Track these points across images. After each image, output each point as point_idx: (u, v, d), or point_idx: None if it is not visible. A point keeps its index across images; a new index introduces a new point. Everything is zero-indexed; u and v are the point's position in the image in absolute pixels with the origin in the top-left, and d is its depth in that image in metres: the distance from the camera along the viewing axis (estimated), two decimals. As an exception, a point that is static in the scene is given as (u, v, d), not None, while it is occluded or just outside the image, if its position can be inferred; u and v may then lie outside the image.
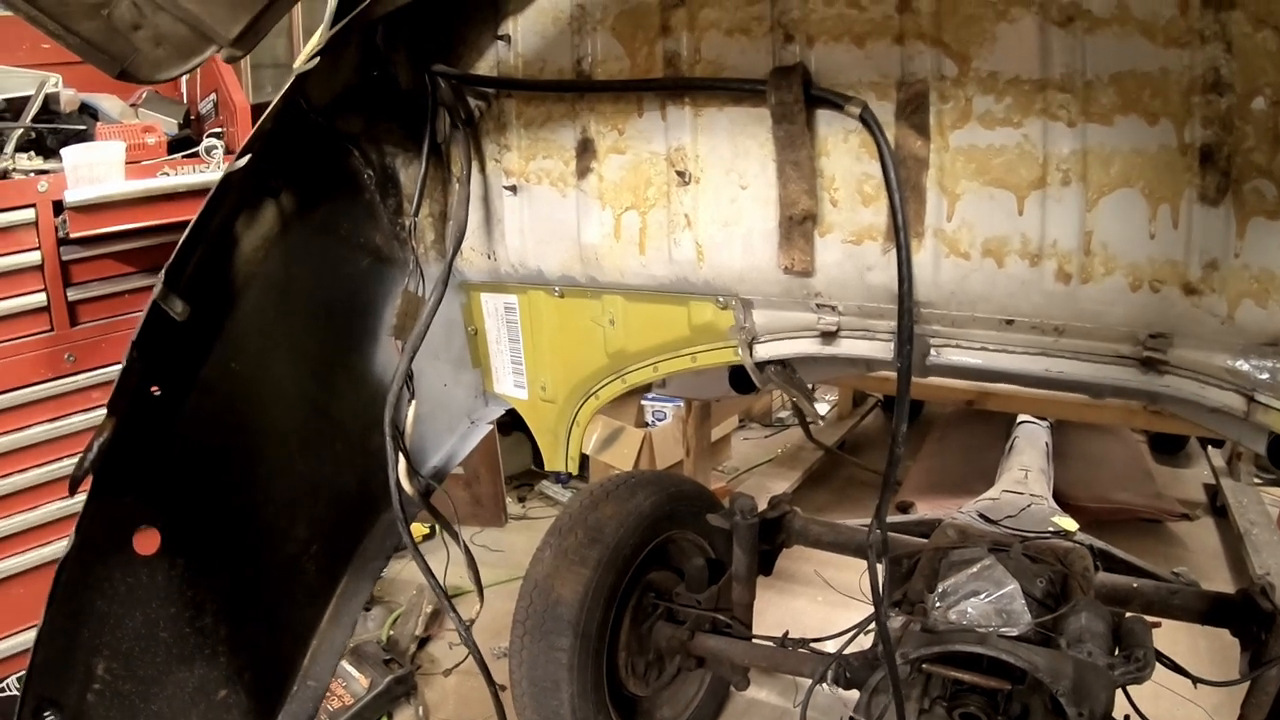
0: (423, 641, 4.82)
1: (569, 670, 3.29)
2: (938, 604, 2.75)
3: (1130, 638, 2.80)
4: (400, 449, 2.32)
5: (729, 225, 2.21)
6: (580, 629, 3.29)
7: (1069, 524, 3.71)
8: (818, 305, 2.20)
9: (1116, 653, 2.72)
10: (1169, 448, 7.00)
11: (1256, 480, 6.04)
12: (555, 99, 2.36)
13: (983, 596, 2.71)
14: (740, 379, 2.77)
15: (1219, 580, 5.37)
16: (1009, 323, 2.01)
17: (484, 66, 2.41)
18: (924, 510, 4.63)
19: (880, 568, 2.23)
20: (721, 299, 2.30)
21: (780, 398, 7.55)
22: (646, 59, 2.21)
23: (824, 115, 2.03)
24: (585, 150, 2.35)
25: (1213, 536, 6.12)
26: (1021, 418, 5.43)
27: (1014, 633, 2.66)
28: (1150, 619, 3.01)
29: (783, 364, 2.42)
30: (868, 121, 1.91)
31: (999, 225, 1.92)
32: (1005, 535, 3.41)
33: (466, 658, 4.38)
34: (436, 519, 2.49)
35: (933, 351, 2.13)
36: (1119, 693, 2.75)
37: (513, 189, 2.48)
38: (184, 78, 4.80)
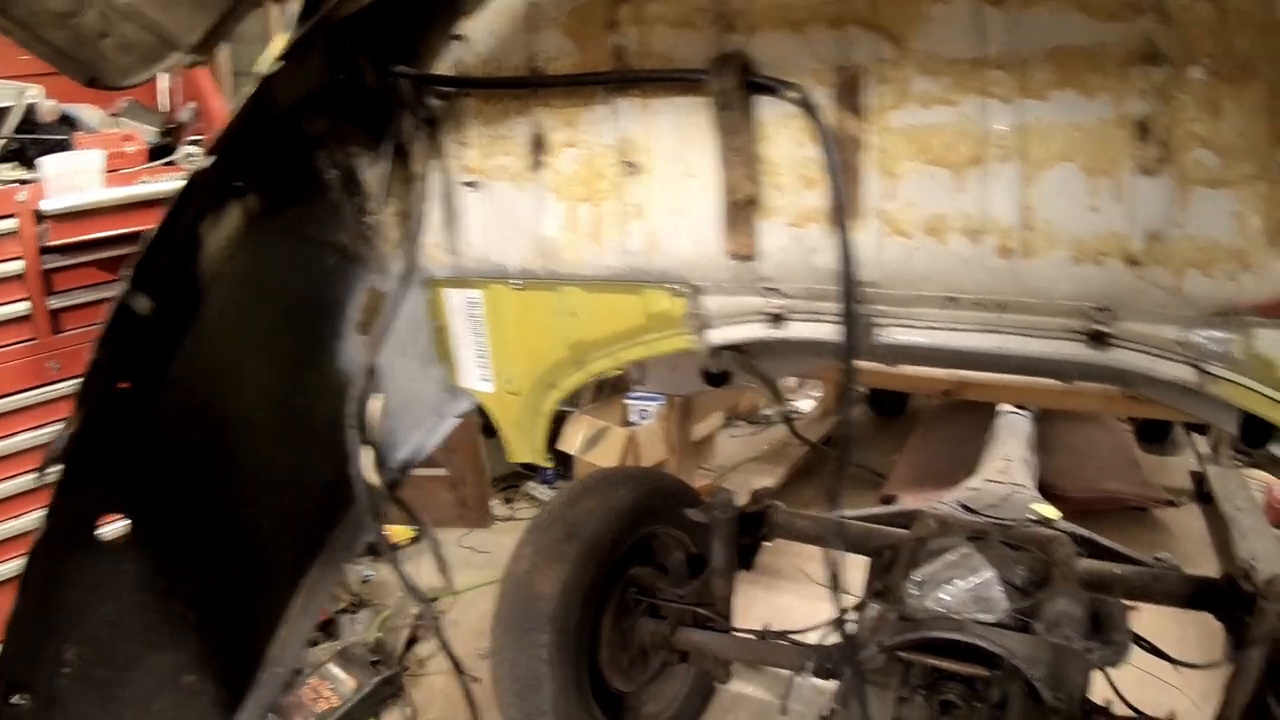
0: (411, 643, 4.83)
1: (550, 666, 3.30)
2: (914, 592, 2.77)
3: (1107, 622, 2.81)
4: (366, 443, 2.36)
5: (678, 214, 2.24)
6: (560, 624, 3.30)
7: (1050, 512, 3.73)
8: (765, 289, 2.24)
9: (1094, 637, 2.74)
10: (1155, 436, 7.00)
11: (1236, 464, 6.05)
12: (511, 96, 2.39)
13: (960, 584, 2.72)
14: (713, 373, 2.80)
15: (1206, 565, 5.38)
16: (953, 300, 2.03)
17: (443, 67, 2.43)
18: (908, 502, 4.64)
19: (840, 557, 2.25)
20: (674, 287, 2.33)
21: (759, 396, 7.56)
22: (596, 54, 2.23)
23: (765, 102, 2.05)
24: (539, 145, 2.38)
25: (1199, 522, 6.12)
26: (1003, 408, 5.45)
27: (991, 619, 2.68)
28: (1130, 603, 3.03)
29: (740, 350, 2.49)
30: (806, 106, 1.95)
31: (940, 203, 1.94)
32: (986, 524, 3.43)
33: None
34: (403, 510, 2.53)
35: (879, 332, 2.16)
36: (1102, 677, 2.80)
37: (473, 185, 2.50)
38: (165, 87, 4.80)
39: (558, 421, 6.22)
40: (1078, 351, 1.98)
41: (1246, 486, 5.90)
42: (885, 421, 7.87)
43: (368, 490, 2.44)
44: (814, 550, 4.02)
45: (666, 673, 3.89)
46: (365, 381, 2.41)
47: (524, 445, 2.77)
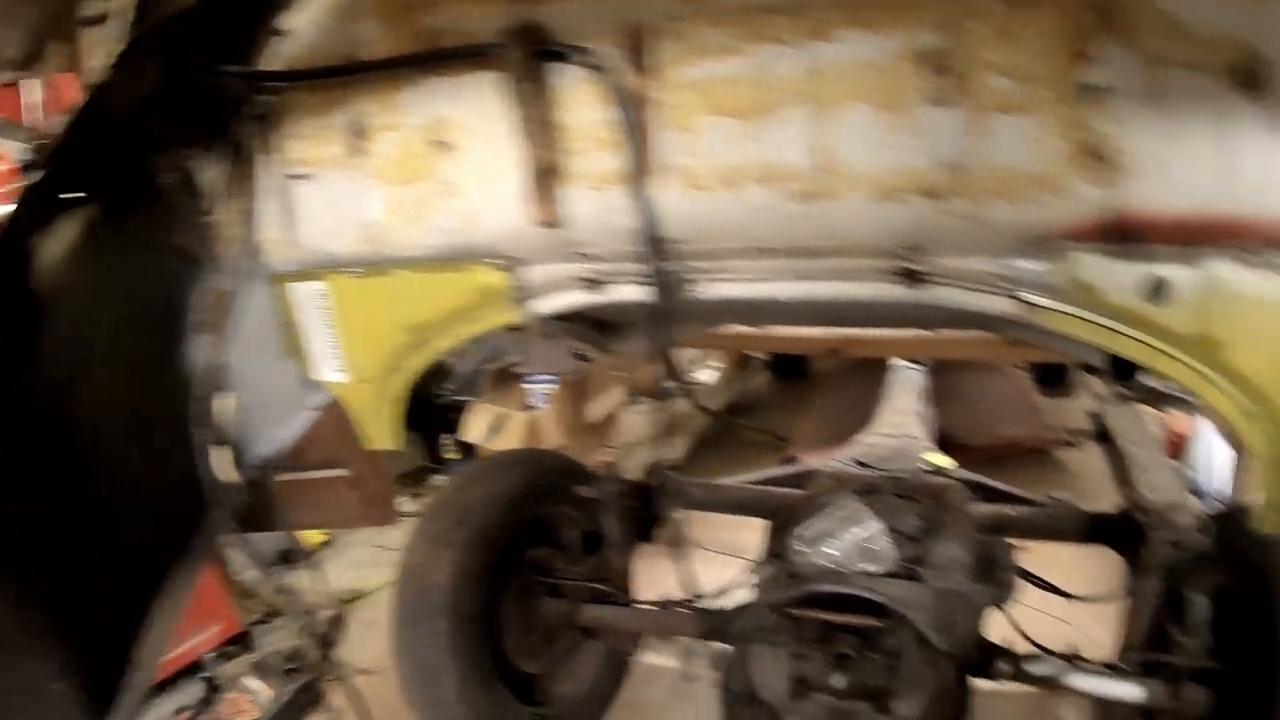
0: (328, 648, 4.74)
1: (450, 655, 3.25)
2: (802, 549, 2.75)
3: (995, 563, 2.82)
4: (220, 442, 2.32)
5: (490, 189, 2.26)
6: (456, 612, 3.25)
7: (943, 460, 3.75)
8: (578, 256, 2.26)
9: (983, 579, 2.75)
10: (1053, 380, 7.10)
11: (1132, 402, 6.15)
12: (332, 86, 2.37)
13: (846, 537, 2.71)
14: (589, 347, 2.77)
15: (1108, 503, 5.46)
16: (761, 250, 2.04)
17: (272, 63, 2.40)
18: (809, 463, 4.64)
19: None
20: (495, 261, 2.35)
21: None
22: (408, 37, 2.23)
23: (562, 70, 2.07)
24: (360, 132, 2.37)
25: (1100, 461, 6.22)
26: (898, 363, 5.47)
27: (879, 570, 2.67)
28: (1027, 544, 3.04)
29: (576, 320, 2.54)
30: (597, 69, 1.97)
31: (735, 154, 1.94)
32: (879, 477, 3.42)
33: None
34: (270, 509, 2.48)
35: (695, 288, 2.17)
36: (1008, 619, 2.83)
37: (304, 177, 2.49)
38: (33, 101, 4.69)
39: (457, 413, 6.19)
40: (895, 292, 1.98)
41: (1144, 423, 6.00)
42: (787, 385, 7.92)
43: (224, 489, 2.45)
44: (728, 519, 3.99)
45: (577, 651, 3.85)
46: (214, 381, 2.42)
47: (380, 432, 2.75)
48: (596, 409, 5.93)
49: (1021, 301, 1.90)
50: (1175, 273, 1.86)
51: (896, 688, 2.66)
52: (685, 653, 3.69)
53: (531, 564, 3.60)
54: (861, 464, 3.68)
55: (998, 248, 1.85)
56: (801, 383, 7.85)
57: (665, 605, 3.42)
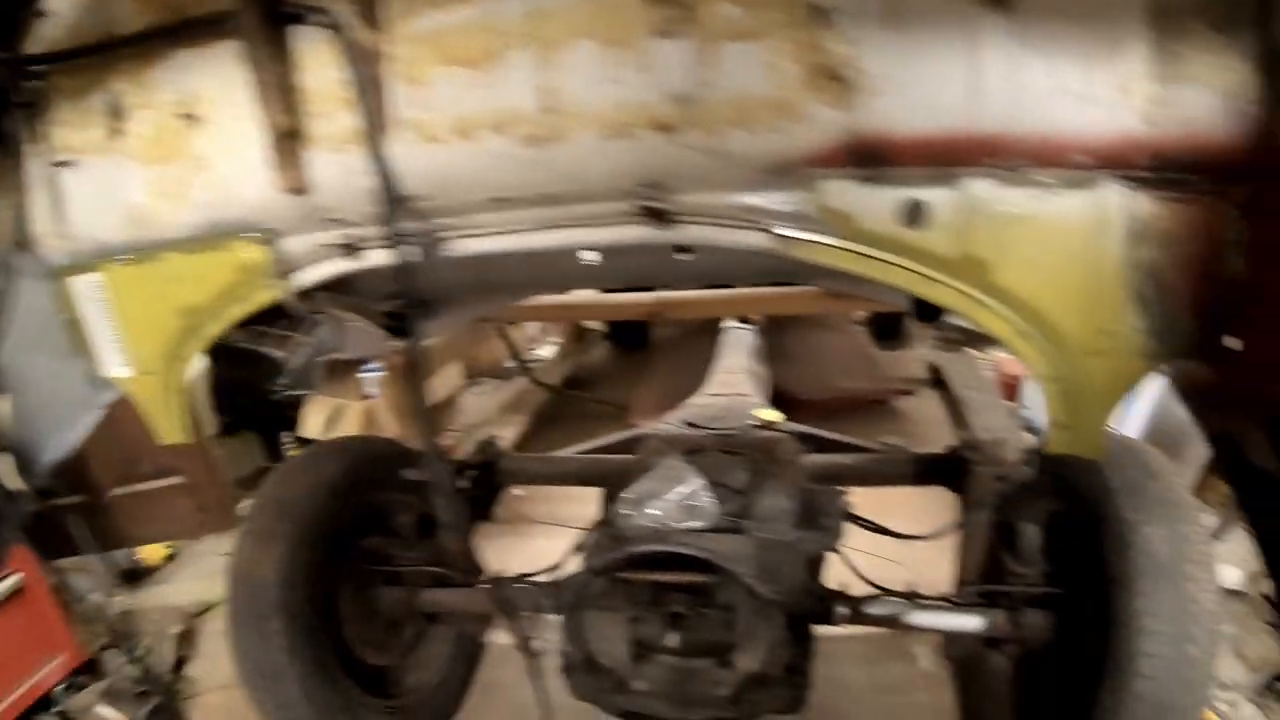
0: (179, 664, 4.61)
1: (289, 654, 3.13)
2: (627, 512, 2.73)
3: (820, 510, 2.83)
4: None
5: (240, 160, 2.19)
6: (290, 609, 3.14)
7: (772, 415, 3.77)
8: (330, 221, 2.21)
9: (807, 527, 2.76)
10: (889, 333, 7.25)
11: (964, 347, 6.31)
12: (89, 67, 2.29)
13: (670, 497, 2.69)
14: (393, 326, 2.71)
15: (946, 445, 5.61)
16: (503, 200, 2.03)
17: (35, 46, 2.31)
18: (641, 428, 4.65)
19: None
20: (253, 235, 2.29)
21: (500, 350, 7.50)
22: (156, 11, 2.16)
23: (300, 31, 2.02)
24: (117, 112, 2.29)
25: (937, 407, 6.38)
26: (729, 324, 5.51)
27: (702, 526, 2.66)
28: (854, 488, 3.07)
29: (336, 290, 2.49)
30: (332, 27, 1.93)
31: (465, 103, 1.92)
32: (708, 436, 3.43)
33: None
34: (60, 515, 2.39)
35: (445, 246, 2.15)
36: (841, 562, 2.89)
37: (69, 165, 2.39)
38: None
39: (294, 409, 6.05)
40: (645, 234, 1.98)
41: (976, 367, 6.16)
42: (628, 354, 7.94)
43: (10, 498, 2.35)
44: (577, 492, 3.96)
45: (428, 638, 3.78)
46: None
47: (171, 425, 2.63)
48: (435, 391, 5.84)
49: (776, 235, 1.88)
50: (931, 194, 1.87)
51: (735, 641, 2.66)
52: (531, 629, 3.67)
53: (366, 553, 3.52)
54: (692, 425, 3.68)
55: (742, 180, 1.84)
56: (642, 351, 7.88)
57: (499, 582, 3.37)
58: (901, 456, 3.55)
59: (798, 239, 1.88)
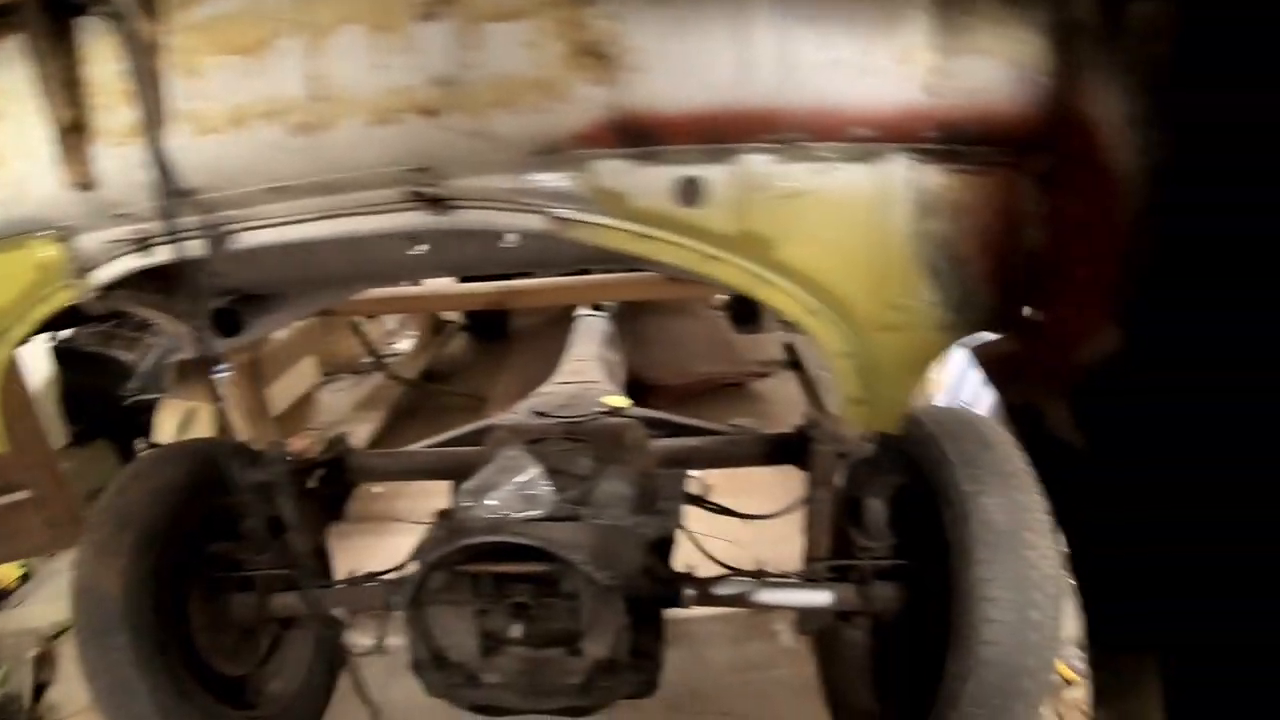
0: (40, 689, 4.48)
1: (137, 669, 3.03)
2: (466, 504, 2.72)
3: (657, 493, 2.86)
4: None
5: (31, 155, 2.12)
6: (134, 622, 3.03)
7: (620, 401, 3.78)
8: (119, 216, 2.15)
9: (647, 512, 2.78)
10: (746, 317, 7.31)
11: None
12: None
13: (507, 487, 2.69)
14: (224, 321, 2.66)
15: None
16: (280, 190, 2.01)
17: None
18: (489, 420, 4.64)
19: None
20: (48, 232, 2.22)
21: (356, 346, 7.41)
22: None
23: (85, 23, 1.97)
24: None
25: (794, 388, 6.47)
26: (580, 311, 5.51)
27: (538, 515, 2.66)
28: (699, 471, 3.10)
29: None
30: (113, 17, 1.88)
31: (239, 93, 1.90)
32: (554, 425, 3.43)
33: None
34: None
35: (235, 238, 2.12)
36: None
37: None
38: None
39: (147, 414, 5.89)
40: (423, 220, 1.97)
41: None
42: (487, 345, 7.90)
43: None
44: (436, 487, 3.93)
45: (285, 644, 3.72)
46: None
47: None
48: (285, 390, 5.74)
49: (553, 217, 1.89)
50: (705, 171, 1.88)
51: (582, 629, 2.67)
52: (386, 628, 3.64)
53: (214, 559, 3.44)
54: (540, 414, 3.67)
55: (512, 162, 1.84)
56: (501, 341, 7.85)
57: (352, 581, 3.33)
58: (750, 437, 3.59)
59: (574, 220, 1.89)
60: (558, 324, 6.27)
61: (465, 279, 5.53)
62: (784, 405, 6.33)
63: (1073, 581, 1.76)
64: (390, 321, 8.40)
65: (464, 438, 3.82)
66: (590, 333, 5.18)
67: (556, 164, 1.85)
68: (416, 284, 5.95)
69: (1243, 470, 1.20)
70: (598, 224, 1.90)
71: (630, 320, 5.98)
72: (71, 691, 4.40)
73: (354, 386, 7.32)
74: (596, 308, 5.51)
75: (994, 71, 1.78)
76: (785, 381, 6.67)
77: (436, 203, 1.91)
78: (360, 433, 5.91)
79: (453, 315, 8.09)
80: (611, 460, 3.03)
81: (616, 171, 1.85)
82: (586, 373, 4.38)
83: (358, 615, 3.70)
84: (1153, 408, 1.44)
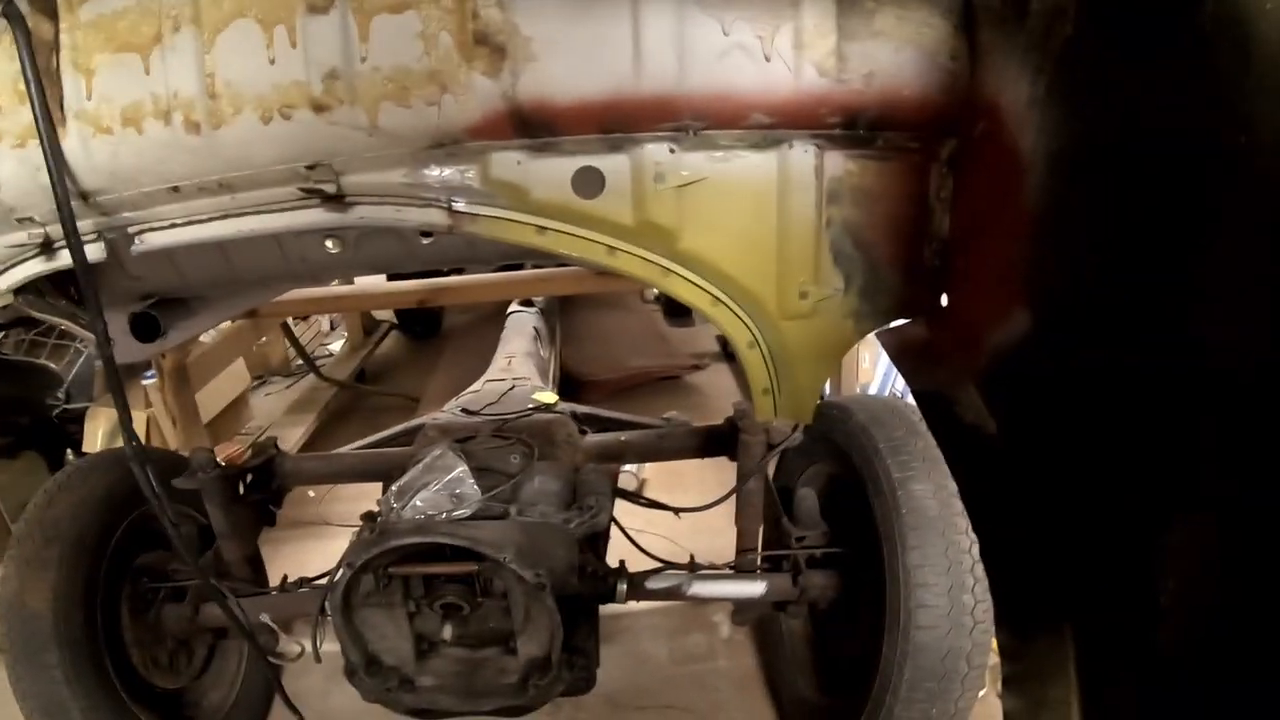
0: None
1: (69, 686, 2.97)
2: (394, 504, 2.70)
3: (585, 488, 2.85)
4: None
5: None
6: (66, 639, 2.98)
7: (549, 398, 3.77)
8: (19, 221, 2.10)
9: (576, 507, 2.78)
10: (680, 310, 7.33)
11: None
12: None
13: (434, 486, 2.67)
14: (142, 326, 2.62)
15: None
16: (176, 190, 1.97)
17: None
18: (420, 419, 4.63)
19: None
20: None
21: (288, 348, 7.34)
22: None
23: None
24: None
25: (729, 380, 6.49)
26: (511, 308, 5.49)
27: (465, 513, 2.64)
28: (634, 465, 3.10)
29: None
30: (6, 16, 1.83)
31: (132, 91, 1.86)
32: (484, 422, 3.41)
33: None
34: None
35: (137, 240, 2.08)
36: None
37: None
38: None
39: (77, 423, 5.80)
40: (321, 217, 1.95)
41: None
42: (420, 344, 7.87)
43: None
44: (373, 490, 3.90)
45: (220, 656, 3.68)
46: None
47: None
48: (216, 394, 5.67)
49: (452, 211, 1.88)
50: (604, 162, 1.87)
51: (516, 628, 2.66)
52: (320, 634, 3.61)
53: (144, 570, 3.39)
54: (469, 411, 3.65)
55: (408, 157, 1.83)
56: (434, 340, 7.82)
57: (283, 587, 3.30)
58: (680, 431, 3.59)
59: (474, 214, 1.88)
60: (491, 321, 6.25)
61: (394, 277, 5.50)
62: (719, 397, 6.37)
63: (984, 566, 1.77)
64: (323, 322, 8.33)
65: (395, 438, 3.80)
66: (521, 328, 5.16)
67: (453, 157, 1.83)
68: (349, 283, 5.91)
69: (1151, 452, 1.21)
70: (497, 217, 1.88)
71: (562, 315, 5.97)
72: (4, 713, 4.32)
73: (286, 389, 7.24)
74: (527, 303, 5.49)
75: (896, 56, 1.77)
76: (720, 374, 6.70)
77: (334, 199, 1.89)
78: (292, 436, 5.85)
79: (385, 314, 8.04)
80: (541, 457, 3.03)
81: (514, 163, 1.84)
82: (517, 369, 4.36)
83: (292, 622, 3.67)
84: (1062, 391, 1.45)
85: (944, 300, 1.93)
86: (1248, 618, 1.03)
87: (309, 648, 2.74)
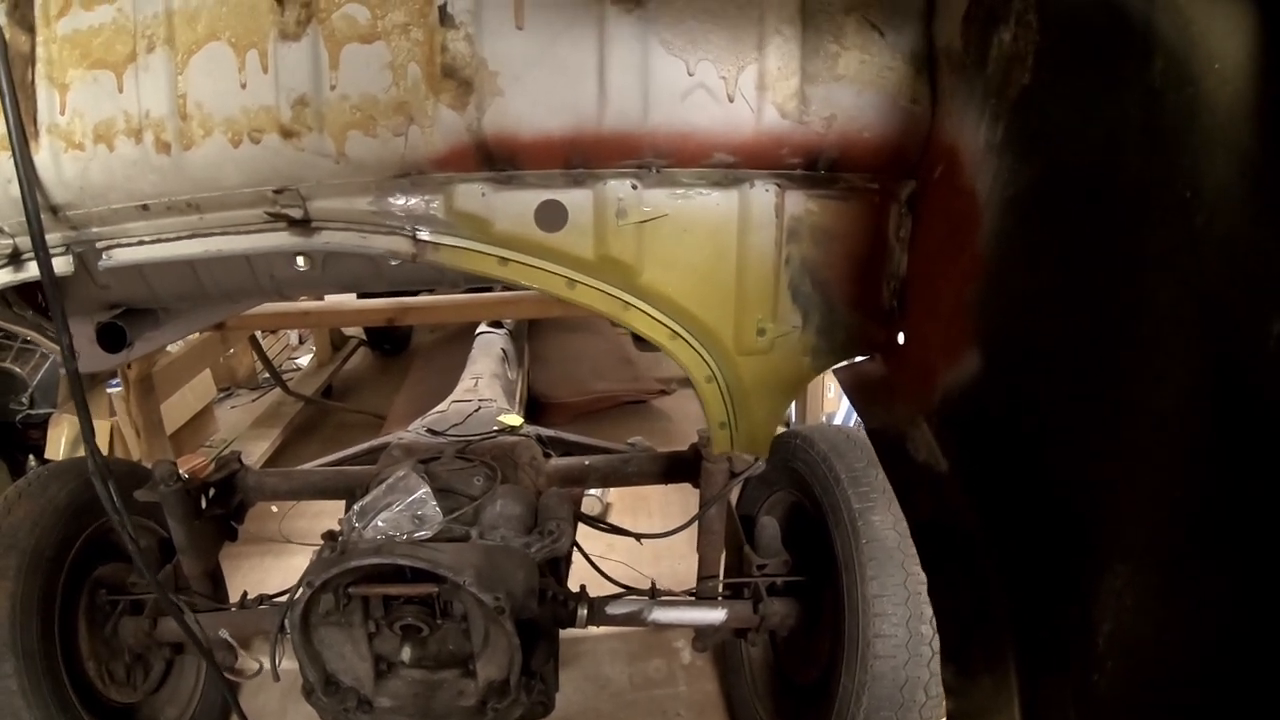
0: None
1: (24, 697, 2.94)
2: (355, 524, 2.70)
3: (547, 513, 2.86)
4: None
5: None
6: (22, 649, 2.94)
7: (514, 420, 3.78)
8: None
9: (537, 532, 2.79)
10: (650, 336, 7.36)
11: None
12: None
13: (396, 507, 2.67)
14: (108, 336, 2.62)
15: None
16: (145, 208, 1.98)
17: None
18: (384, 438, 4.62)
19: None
20: None
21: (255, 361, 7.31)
22: None
23: None
24: None
25: (696, 407, 6.49)
26: (480, 329, 5.50)
27: (426, 535, 2.65)
28: (594, 490, 3.11)
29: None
30: None
31: (105, 108, 1.87)
32: (448, 443, 3.41)
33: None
34: None
35: (105, 255, 2.08)
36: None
37: None
38: None
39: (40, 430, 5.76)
40: (287, 241, 1.96)
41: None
42: (387, 361, 7.86)
43: None
44: (334, 507, 3.89)
45: (177, 670, 3.66)
46: None
47: None
48: (181, 406, 5.65)
49: (416, 239, 1.90)
50: (566, 196, 1.89)
51: (474, 651, 2.66)
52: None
53: (102, 582, 3.38)
54: (433, 432, 3.66)
55: (373, 185, 1.85)
56: (402, 357, 7.82)
57: (243, 604, 3.29)
58: (644, 456, 3.60)
59: (437, 244, 1.89)
60: (460, 339, 6.25)
61: (364, 295, 5.50)
62: (684, 422, 6.37)
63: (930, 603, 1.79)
64: (292, 336, 8.32)
65: (359, 456, 3.80)
66: (489, 350, 5.16)
67: (418, 187, 1.84)
68: (319, 298, 5.90)
69: (1103, 490, 1.23)
70: (460, 247, 1.90)
71: (530, 337, 5.98)
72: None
73: (252, 402, 7.21)
74: (497, 324, 5.50)
75: (858, 99, 1.79)
76: (686, 399, 6.71)
77: (301, 224, 1.90)
78: (256, 450, 5.83)
79: (354, 330, 8.03)
80: (504, 480, 3.04)
81: (478, 195, 1.85)
82: (483, 390, 4.37)
83: (251, 639, 3.66)
84: (1010, 432, 1.47)
85: (900, 338, 1.96)
86: (1177, 661, 1.06)
87: (267, 665, 2.73)
